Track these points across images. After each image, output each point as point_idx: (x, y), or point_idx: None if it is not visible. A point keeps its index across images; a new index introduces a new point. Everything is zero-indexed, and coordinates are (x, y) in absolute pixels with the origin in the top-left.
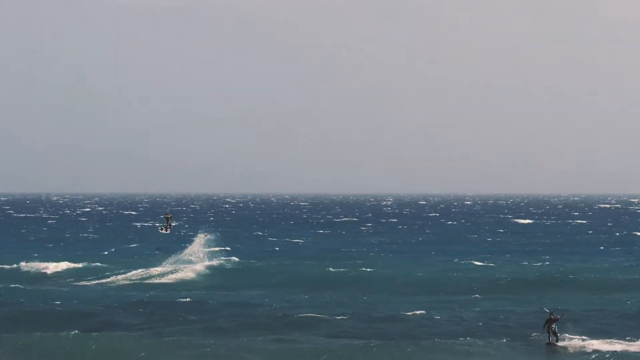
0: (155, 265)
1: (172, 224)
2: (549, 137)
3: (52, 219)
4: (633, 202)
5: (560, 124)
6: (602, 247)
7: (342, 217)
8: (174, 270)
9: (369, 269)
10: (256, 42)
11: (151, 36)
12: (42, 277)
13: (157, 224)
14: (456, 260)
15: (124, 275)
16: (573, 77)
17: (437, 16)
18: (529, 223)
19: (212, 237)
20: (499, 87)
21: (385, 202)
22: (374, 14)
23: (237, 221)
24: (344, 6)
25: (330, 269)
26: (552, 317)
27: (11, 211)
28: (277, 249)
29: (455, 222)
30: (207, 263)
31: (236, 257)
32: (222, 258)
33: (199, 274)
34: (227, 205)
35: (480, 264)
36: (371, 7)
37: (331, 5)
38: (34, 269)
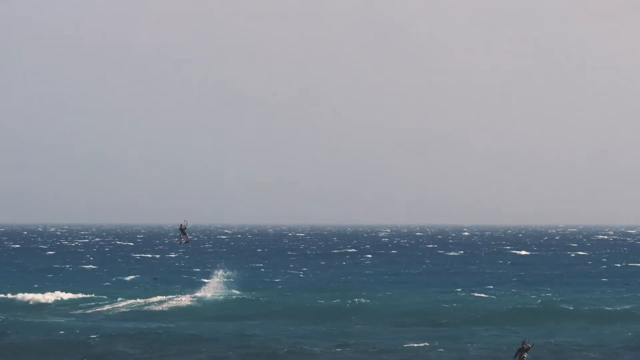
0: (154, 295)
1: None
2: (543, 168)
3: (51, 249)
4: (631, 234)
5: (555, 155)
6: (602, 279)
7: (341, 248)
8: (173, 300)
9: (369, 300)
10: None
11: (149, 76)
12: (41, 307)
13: (175, 240)
14: (457, 290)
15: (122, 304)
16: (565, 111)
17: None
18: (528, 254)
19: (232, 274)
20: (491, 119)
21: (382, 233)
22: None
23: (236, 252)
24: (343, 52)
25: (331, 300)
26: (524, 346)
27: (10, 242)
28: (277, 280)
29: (454, 253)
30: (207, 294)
31: (236, 288)
32: (222, 289)
33: (198, 305)
34: (224, 237)
35: (481, 295)
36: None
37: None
38: (33, 300)
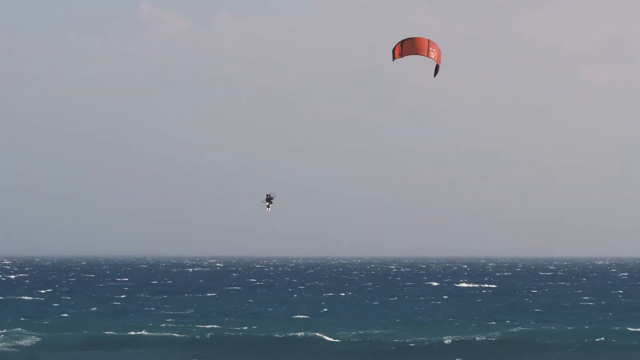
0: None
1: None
2: (530, 200)
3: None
4: (628, 265)
5: (542, 187)
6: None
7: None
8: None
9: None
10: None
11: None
12: None
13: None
14: (451, 320)
15: (86, 333)
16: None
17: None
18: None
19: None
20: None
21: (390, 267)
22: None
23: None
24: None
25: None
26: None
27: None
28: (302, 314)
29: (458, 284)
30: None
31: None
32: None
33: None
34: (217, 267)
35: (478, 325)
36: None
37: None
38: None
